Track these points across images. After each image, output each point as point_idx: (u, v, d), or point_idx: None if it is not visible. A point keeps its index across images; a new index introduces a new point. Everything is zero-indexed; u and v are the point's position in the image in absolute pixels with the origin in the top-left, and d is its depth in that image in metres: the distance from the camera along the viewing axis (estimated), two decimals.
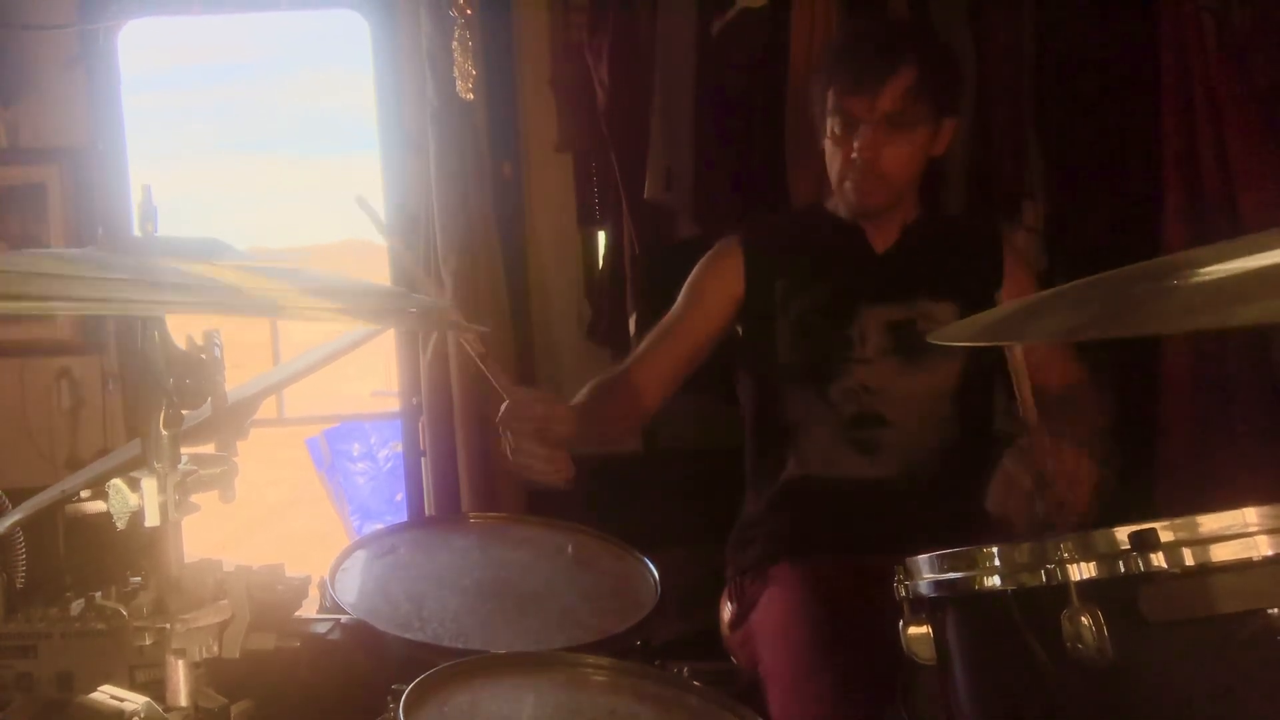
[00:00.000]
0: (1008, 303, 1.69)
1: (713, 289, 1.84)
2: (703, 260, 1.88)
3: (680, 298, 1.86)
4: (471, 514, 2.31)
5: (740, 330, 1.85)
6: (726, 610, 1.82)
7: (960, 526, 1.67)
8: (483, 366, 1.53)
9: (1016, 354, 1.29)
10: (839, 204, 1.82)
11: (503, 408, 1.53)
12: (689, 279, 1.87)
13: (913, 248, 1.80)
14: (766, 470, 1.82)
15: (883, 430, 1.74)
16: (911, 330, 1.74)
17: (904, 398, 1.74)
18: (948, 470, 1.74)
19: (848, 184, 1.73)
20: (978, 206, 2.49)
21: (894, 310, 1.75)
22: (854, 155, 1.70)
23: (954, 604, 1.05)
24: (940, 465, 1.74)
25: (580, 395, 1.73)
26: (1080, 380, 1.78)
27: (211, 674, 1.12)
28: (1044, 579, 0.94)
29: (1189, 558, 0.89)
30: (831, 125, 1.73)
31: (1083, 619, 0.89)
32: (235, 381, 1.30)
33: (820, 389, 1.75)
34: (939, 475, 1.74)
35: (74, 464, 2.74)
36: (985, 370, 1.79)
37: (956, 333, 1.39)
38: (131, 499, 1.04)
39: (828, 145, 1.76)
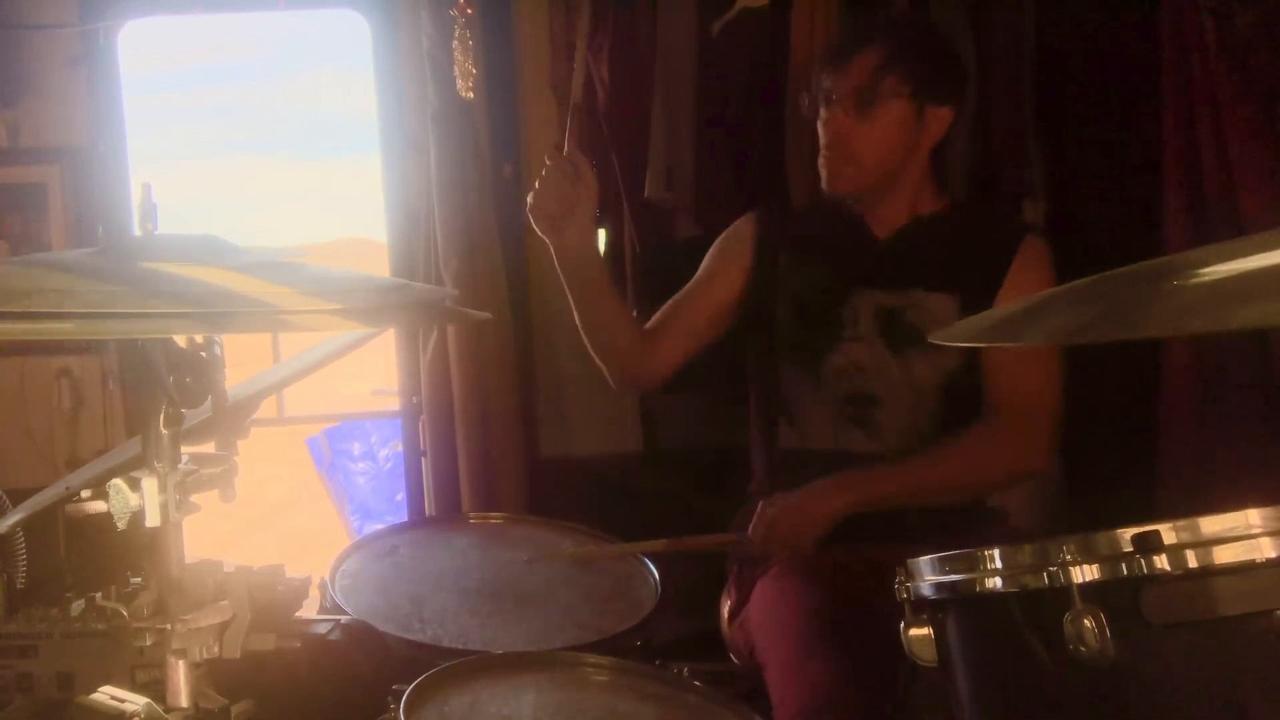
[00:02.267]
0: (1007, 304, 1.68)
1: (725, 261, 1.89)
2: (720, 236, 1.94)
3: (699, 271, 1.92)
4: (472, 514, 2.31)
5: (746, 300, 1.88)
6: (726, 603, 1.82)
7: (955, 512, 1.69)
8: (569, 120, 1.76)
9: None
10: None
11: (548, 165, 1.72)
12: (707, 255, 1.93)
13: (916, 238, 1.79)
14: (765, 441, 1.86)
15: (875, 409, 1.76)
16: (900, 319, 1.75)
17: (893, 381, 1.76)
18: None
19: (821, 161, 1.77)
20: (998, 203, 2.48)
21: (886, 297, 1.77)
22: (827, 131, 1.74)
23: (955, 606, 1.04)
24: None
25: None
26: (1034, 397, 1.73)
27: (212, 674, 1.12)
28: (1046, 581, 0.93)
29: (1192, 559, 0.89)
30: (821, 108, 1.76)
31: (1085, 621, 0.89)
32: (235, 380, 1.30)
33: (814, 365, 1.78)
34: None
35: (74, 464, 2.73)
36: (974, 366, 1.77)
37: (955, 334, 1.39)
38: (132, 499, 1.04)
39: (819, 128, 1.79)
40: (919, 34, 1.81)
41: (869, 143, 1.72)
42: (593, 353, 1.84)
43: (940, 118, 1.75)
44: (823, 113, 1.76)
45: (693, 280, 1.90)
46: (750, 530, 1.66)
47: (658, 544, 1.74)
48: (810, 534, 1.63)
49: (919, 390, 1.75)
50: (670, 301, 1.90)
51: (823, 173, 1.77)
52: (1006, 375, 1.74)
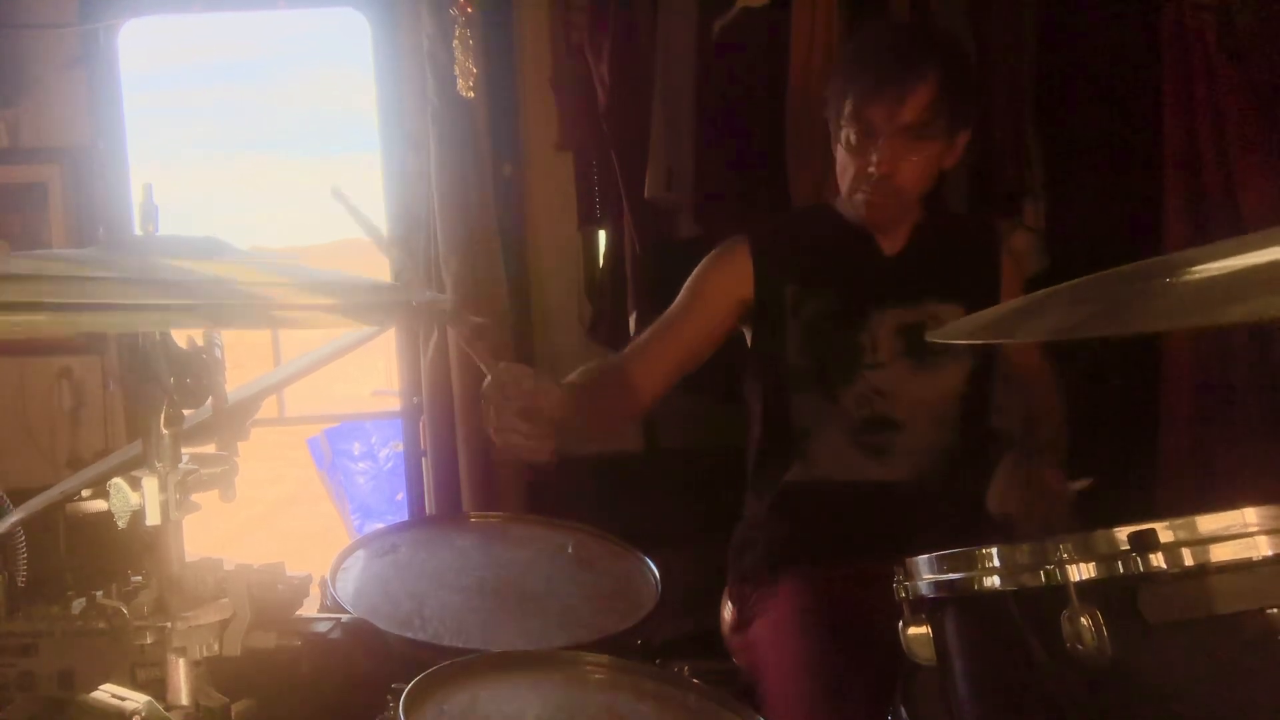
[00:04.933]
0: (1005, 302, 1.69)
1: (718, 290, 1.81)
2: (707, 259, 1.84)
3: (682, 295, 1.82)
4: (472, 513, 2.31)
5: (748, 333, 1.84)
6: (727, 613, 1.82)
7: (966, 527, 1.68)
8: (468, 348, 1.52)
9: None
10: (848, 211, 1.79)
11: (485, 383, 1.51)
12: (692, 277, 1.83)
13: (921, 249, 1.78)
14: (770, 472, 1.81)
15: (893, 433, 1.73)
16: (921, 333, 1.72)
17: (914, 400, 1.73)
18: (954, 471, 1.74)
19: (860, 196, 1.70)
20: (978, 205, 2.49)
21: (904, 313, 1.74)
22: (871, 168, 1.66)
23: (954, 604, 1.04)
24: (947, 466, 1.74)
25: (573, 375, 1.68)
26: (1044, 370, 1.84)
27: (212, 672, 1.12)
28: (1043, 579, 0.94)
29: (1188, 558, 0.89)
30: (847, 134, 1.68)
31: (1082, 619, 0.89)
32: (236, 381, 1.30)
33: (831, 394, 1.74)
34: (946, 476, 1.74)
35: (75, 463, 2.74)
36: (988, 369, 1.79)
37: (955, 332, 1.39)
38: (133, 498, 1.04)
39: (840, 153, 1.72)
40: (960, 59, 1.72)
41: (917, 173, 1.67)
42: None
43: (961, 141, 1.72)
44: (856, 140, 1.67)
45: (678, 308, 1.81)
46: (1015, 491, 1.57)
47: None
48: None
49: (941, 403, 1.74)
50: (652, 330, 1.81)
51: (858, 204, 1.71)
52: (1023, 354, 1.83)
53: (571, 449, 1.53)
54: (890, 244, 1.79)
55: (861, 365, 1.73)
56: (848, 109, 1.67)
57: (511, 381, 1.49)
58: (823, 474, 1.75)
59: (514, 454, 1.51)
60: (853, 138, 1.68)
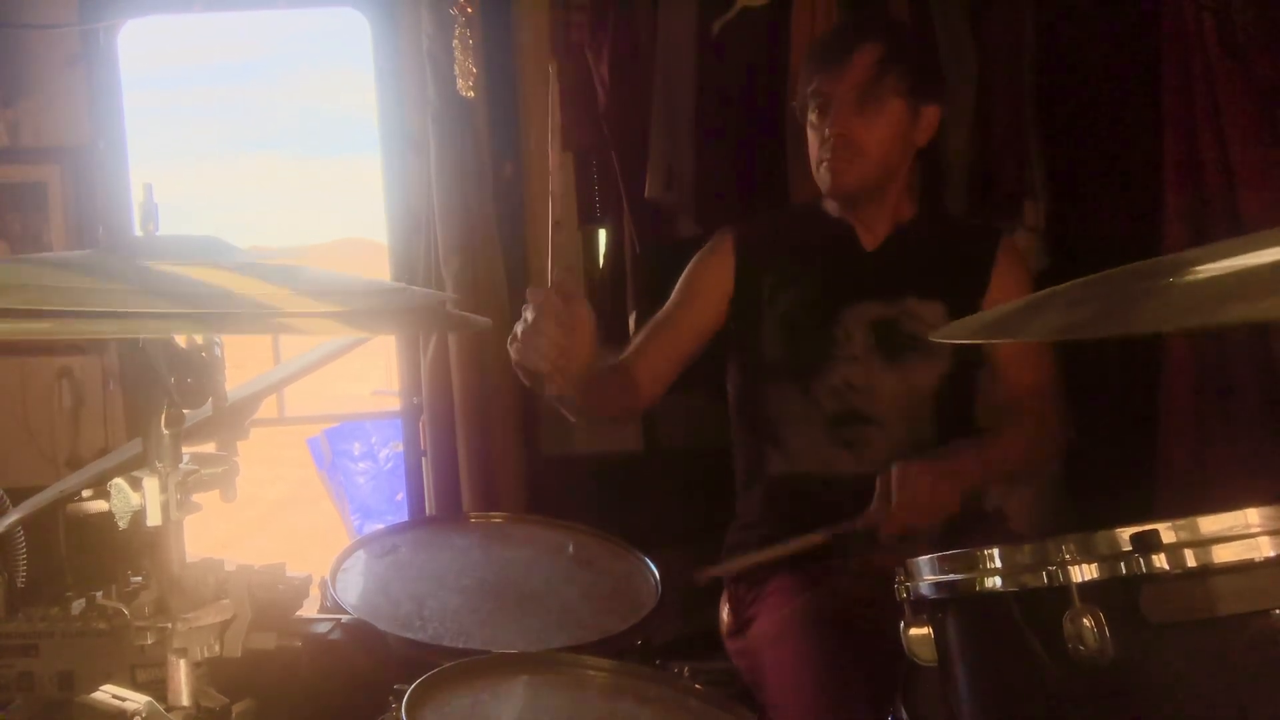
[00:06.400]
0: (995, 305, 1.68)
1: (705, 284, 1.83)
2: (696, 256, 1.87)
3: (674, 293, 1.85)
4: (472, 513, 2.31)
5: (730, 324, 1.84)
6: (725, 615, 1.81)
7: (949, 525, 1.68)
8: (550, 237, 1.58)
9: None
10: (821, 190, 1.80)
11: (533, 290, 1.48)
12: (683, 274, 1.86)
13: (902, 246, 1.78)
14: (753, 467, 1.81)
15: (867, 428, 1.73)
16: (895, 329, 1.73)
17: (888, 395, 1.73)
18: None
19: (824, 166, 1.73)
20: (981, 208, 2.49)
21: (878, 308, 1.74)
22: (826, 131, 1.70)
23: (955, 605, 1.04)
24: None
25: None
26: (1044, 389, 1.76)
27: (213, 673, 1.12)
28: (1045, 580, 0.94)
29: (1191, 559, 0.89)
30: (810, 112, 1.74)
31: (1084, 620, 0.89)
32: (236, 381, 1.30)
33: (804, 386, 1.74)
34: None
35: (75, 463, 2.74)
36: (968, 370, 1.78)
37: (953, 332, 1.39)
38: (133, 498, 1.04)
39: (809, 134, 1.76)
40: (904, 31, 1.82)
41: (873, 140, 1.70)
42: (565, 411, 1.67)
43: (930, 116, 1.74)
44: (815, 117, 1.73)
45: (670, 306, 1.84)
46: (883, 499, 1.56)
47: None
48: (951, 492, 1.56)
49: (915, 400, 1.73)
50: (647, 329, 1.83)
51: (823, 176, 1.73)
52: (1018, 372, 1.75)
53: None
54: (870, 239, 1.79)
55: (833, 357, 1.73)
56: (806, 89, 1.74)
57: (565, 283, 1.49)
58: (802, 469, 1.75)
59: (532, 368, 1.45)
60: (813, 114, 1.74)
